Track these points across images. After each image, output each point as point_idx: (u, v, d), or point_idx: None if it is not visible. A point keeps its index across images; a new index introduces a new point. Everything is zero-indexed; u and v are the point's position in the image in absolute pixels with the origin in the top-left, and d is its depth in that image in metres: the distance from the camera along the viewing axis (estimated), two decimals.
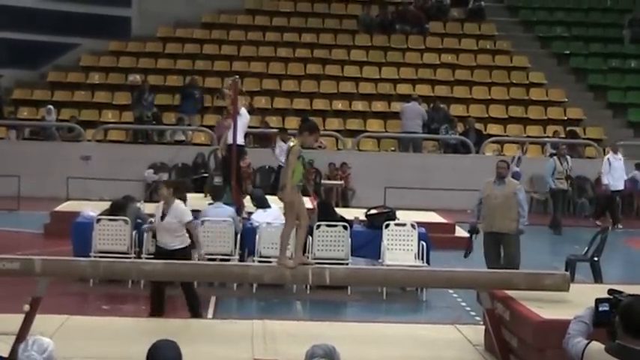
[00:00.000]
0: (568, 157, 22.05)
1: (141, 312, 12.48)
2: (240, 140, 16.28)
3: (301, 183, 9.57)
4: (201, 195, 17.87)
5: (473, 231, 13.65)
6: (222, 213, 14.32)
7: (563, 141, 26.40)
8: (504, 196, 13.08)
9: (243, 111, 16.42)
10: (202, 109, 25.84)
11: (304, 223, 9.82)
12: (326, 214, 14.40)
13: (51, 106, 25.95)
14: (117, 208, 14.38)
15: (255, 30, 30.31)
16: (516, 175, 20.68)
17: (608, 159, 22.19)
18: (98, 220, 14.10)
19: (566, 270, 13.04)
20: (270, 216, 14.47)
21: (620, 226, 22.14)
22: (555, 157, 21.92)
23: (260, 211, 14.76)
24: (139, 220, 14.28)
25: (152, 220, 14.04)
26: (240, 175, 17.06)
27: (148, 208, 15.25)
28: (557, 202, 21.45)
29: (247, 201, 16.18)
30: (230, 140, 16.16)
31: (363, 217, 15.23)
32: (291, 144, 9.45)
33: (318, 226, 13.93)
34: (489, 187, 13.31)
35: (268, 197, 15.25)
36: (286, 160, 9.56)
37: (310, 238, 13.62)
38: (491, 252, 13.07)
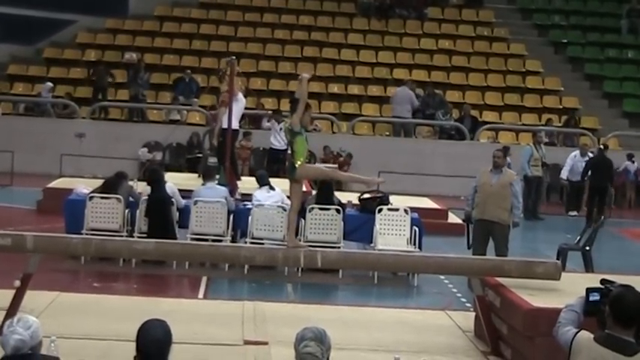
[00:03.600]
0: (542, 144, 22.09)
1: (132, 290, 12.50)
2: (235, 124, 16.24)
3: (306, 160, 9.59)
4: (195, 175, 17.87)
5: (469, 220, 13.56)
6: (215, 193, 14.29)
7: (558, 130, 26.42)
8: (500, 184, 12.95)
9: (240, 96, 16.39)
10: (198, 90, 25.77)
11: (295, 206, 9.83)
12: (326, 196, 14.29)
13: (50, 83, 25.85)
14: (109, 186, 14.32)
15: (253, 11, 30.19)
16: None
17: (575, 156, 22.09)
18: (91, 198, 14.06)
19: (558, 259, 13.06)
20: (272, 198, 14.38)
21: (571, 213, 22.15)
22: (532, 144, 21.94)
23: (264, 188, 14.61)
24: (131, 199, 14.26)
25: (144, 197, 14.10)
26: (235, 157, 17.03)
27: (140, 186, 15.24)
28: (532, 190, 21.41)
29: (244, 182, 16.17)
30: (224, 124, 16.10)
31: (356, 201, 15.21)
32: (286, 125, 9.51)
33: (312, 209, 13.90)
34: (485, 175, 13.15)
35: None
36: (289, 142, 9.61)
37: (303, 220, 13.61)
38: (478, 239, 13.01)
